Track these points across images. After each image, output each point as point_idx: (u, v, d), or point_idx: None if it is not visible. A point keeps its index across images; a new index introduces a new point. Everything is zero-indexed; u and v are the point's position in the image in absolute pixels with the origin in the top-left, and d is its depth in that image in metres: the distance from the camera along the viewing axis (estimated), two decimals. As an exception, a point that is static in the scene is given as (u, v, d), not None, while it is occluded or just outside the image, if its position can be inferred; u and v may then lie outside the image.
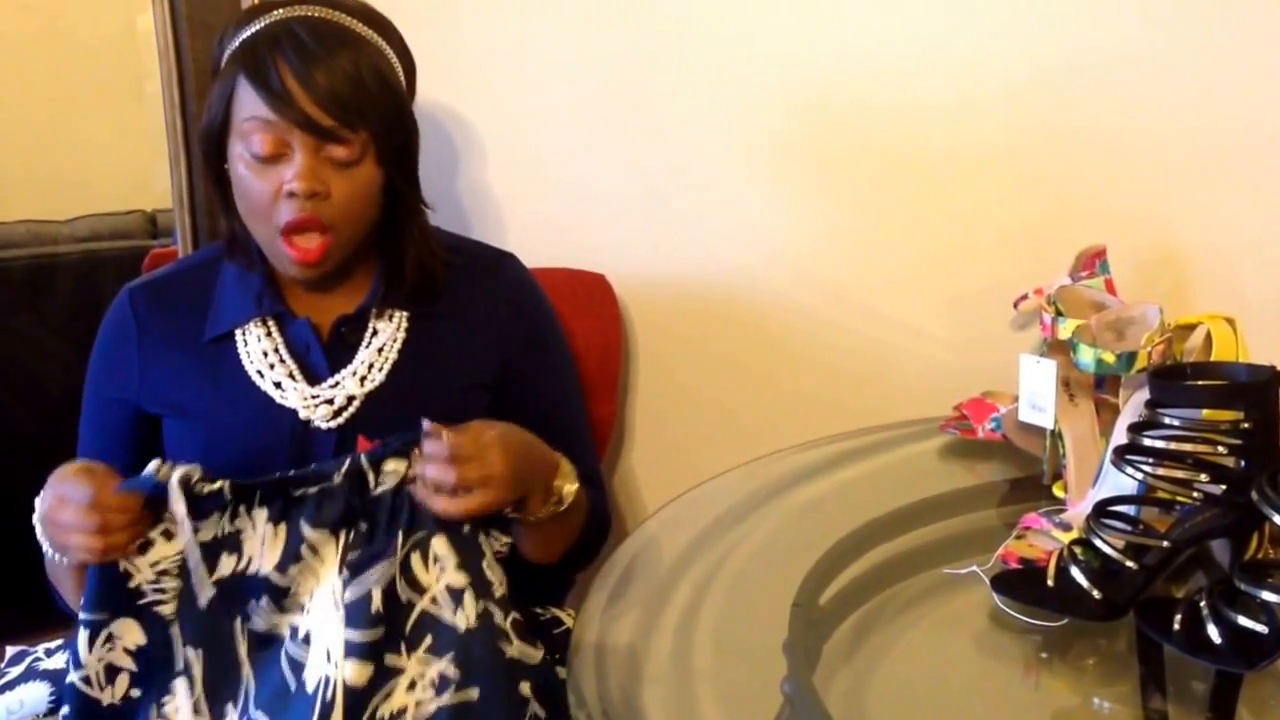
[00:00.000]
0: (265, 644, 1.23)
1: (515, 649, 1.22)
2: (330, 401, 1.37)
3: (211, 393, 1.40)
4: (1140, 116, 1.59)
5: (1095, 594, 1.11)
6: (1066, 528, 1.26)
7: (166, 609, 1.23)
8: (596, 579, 1.28)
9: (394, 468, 1.23)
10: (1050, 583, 1.14)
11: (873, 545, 1.30)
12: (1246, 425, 1.11)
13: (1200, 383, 1.19)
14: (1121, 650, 1.13)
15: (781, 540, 1.37)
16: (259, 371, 1.38)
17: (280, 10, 1.35)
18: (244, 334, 1.40)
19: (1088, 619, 1.12)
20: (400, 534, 1.22)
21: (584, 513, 1.41)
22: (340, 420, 1.37)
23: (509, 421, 1.29)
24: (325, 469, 1.24)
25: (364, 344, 1.40)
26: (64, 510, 1.21)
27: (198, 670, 1.23)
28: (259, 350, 1.39)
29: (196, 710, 1.22)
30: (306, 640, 1.21)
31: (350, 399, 1.38)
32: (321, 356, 1.39)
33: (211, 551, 1.23)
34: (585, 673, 1.13)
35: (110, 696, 1.22)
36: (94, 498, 1.19)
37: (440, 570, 1.21)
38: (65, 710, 1.24)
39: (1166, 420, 1.14)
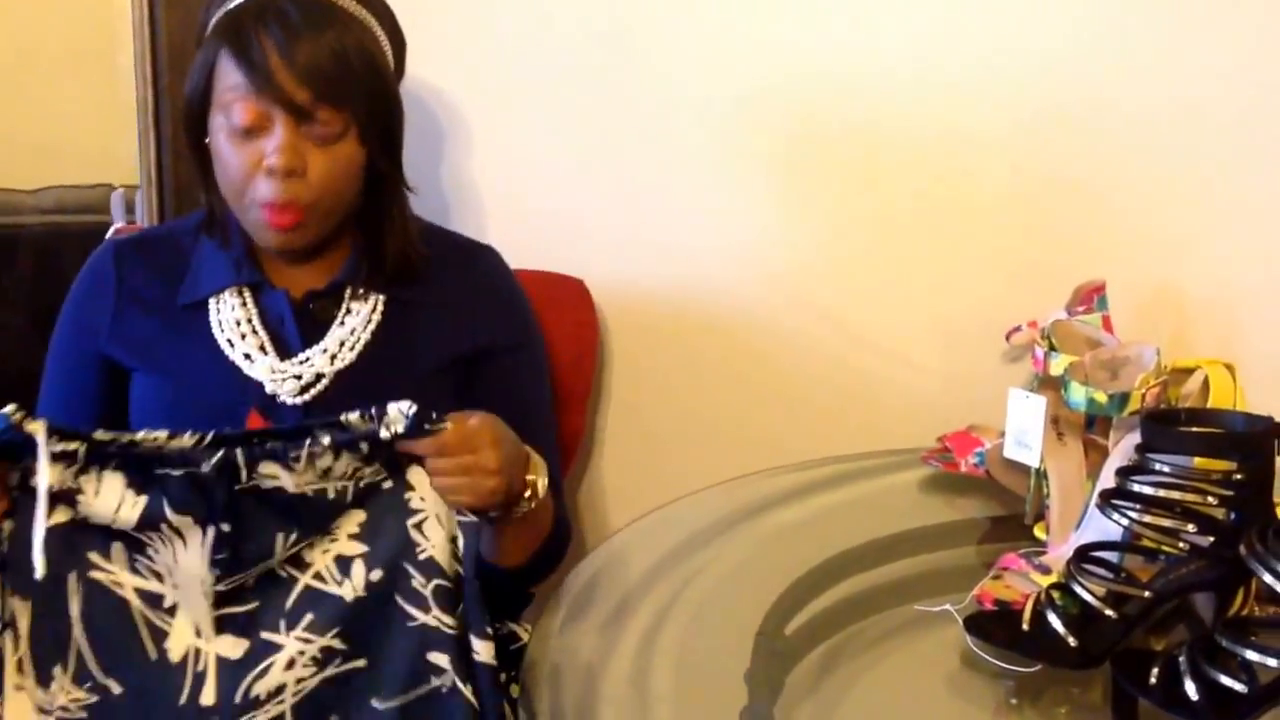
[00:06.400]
0: (103, 599, 1.14)
1: (431, 617, 1.17)
2: (298, 377, 1.36)
3: (179, 358, 1.39)
4: (1149, 150, 1.58)
5: (1071, 641, 1.10)
6: (1046, 571, 1.24)
7: None
8: (555, 594, 1.26)
9: (271, 473, 1.14)
10: (1025, 627, 1.13)
11: (844, 576, 1.29)
12: (1239, 477, 1.10)
13: (1194, 430, 1.18)
14: (1095, 701, 1.12)
15: (750, 566, 1.35)
16: (229, 341, 1.38)
17: None
18: (218, 302, 1.40)
19: (1062, 667, 1.10)
20: (281, 536, 1.15)
21: (551, 514, 1.38)
22: (307, 397, 1.36)
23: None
24: (195, 456, 1.14)
25: (337, 322, 1.40)
26: None
27: (24, 624, 1.12)
28: (231, 319, 1.38)
29: (19, 668, 1.11)
30: (171, 611, 1.16)
31: (319, 376, 1.37)
32: (295, 330, 1.38)
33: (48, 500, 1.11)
34: (540, 690, 1.11)
35: None
36: None
37: (329, 544, 1.18)
38: None
39: (1157, 466, 1.13)
